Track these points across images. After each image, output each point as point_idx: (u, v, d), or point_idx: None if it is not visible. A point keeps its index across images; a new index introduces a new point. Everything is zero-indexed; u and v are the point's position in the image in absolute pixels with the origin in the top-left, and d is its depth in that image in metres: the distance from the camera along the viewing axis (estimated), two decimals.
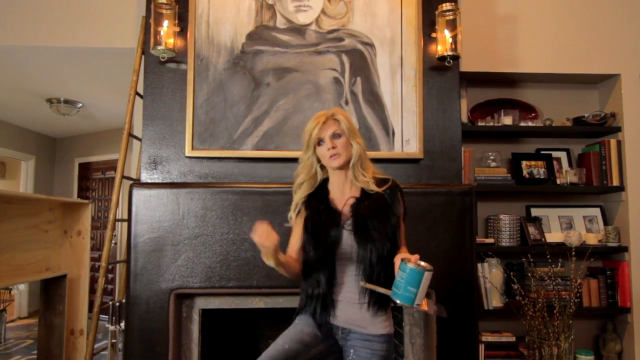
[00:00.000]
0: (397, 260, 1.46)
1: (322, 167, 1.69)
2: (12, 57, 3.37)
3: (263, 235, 1.41)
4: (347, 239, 1.58)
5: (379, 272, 1.53)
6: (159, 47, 2.35)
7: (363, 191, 1.64)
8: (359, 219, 1.58)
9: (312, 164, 1.68)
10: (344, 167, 1.64)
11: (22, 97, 4.65)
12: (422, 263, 1.42)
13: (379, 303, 1.58)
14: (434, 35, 2.50)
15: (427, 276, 1.39)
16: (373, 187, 1.62)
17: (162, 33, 2.36)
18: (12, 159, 6.19)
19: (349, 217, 1.60)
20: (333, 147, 1.60)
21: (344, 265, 1.60)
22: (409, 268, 1.38)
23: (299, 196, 1.68)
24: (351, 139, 1.64)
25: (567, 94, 3.23)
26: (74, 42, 2.90)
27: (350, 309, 1.58)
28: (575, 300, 2.67)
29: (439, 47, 2.46)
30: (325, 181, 1.72)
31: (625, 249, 2.94)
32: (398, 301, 1.41)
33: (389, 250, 1.56)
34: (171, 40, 2.38)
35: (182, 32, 2.44)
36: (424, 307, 1.44)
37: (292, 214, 1.68)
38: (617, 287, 2.95)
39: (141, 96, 2.52)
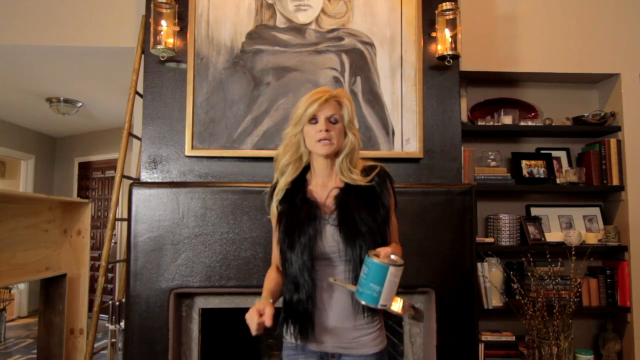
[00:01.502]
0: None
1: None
2: (12, 56, 3.37)
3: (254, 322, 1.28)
4: (333, 235, 1.38)
5: None
6: (159, 47, 2.35)
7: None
8: (345, 212, 1.38)
9: (299, 143, 1.45)
10: (331, 156, 1.44)
11: (22, 97, 4.65)
12: (393, 257, 1.24)
13: (369, 309, 1.36)
14: (433, 34, 2.50)
15: (394, 272, 1.20)
16: (360, 182, 1.42)
17: (161, 32, 2.36)
18: (12, 159, 6.19)
19: (333, 210, 1.40)
20: (327, 131, 1.39)
21: (331, 266, 1.40)
22: (372, 262, 1.21)
23: (283, 182, 1.46)
24: (348, 128, 1.44)
25: (567, 94, 3.23)
26: (74, 41, 2.89)
27: (340, 332, 1.39)
28: (575, 300, 2.66)
29: (439, 47, 2.46)
30: (304, 168, 1.50)
31: (625, 249, 2.94)
32: (362, 302, 1.24)
33: (379, 246, 1.33)
34: (171, 40, 2.38)
35: (182, 31, 2.44)
36: (397, 310, 1.29)
37: (274, 204, 1.46)
38: (616, 286, 2.95)
39: (141, 95, 2.52)
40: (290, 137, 1.46)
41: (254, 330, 1.28)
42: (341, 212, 1.39)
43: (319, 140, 1.40)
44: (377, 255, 1.23)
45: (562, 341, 2.58)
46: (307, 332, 1.38)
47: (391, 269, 1.20)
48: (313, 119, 1.41)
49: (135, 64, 2.59)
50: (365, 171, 1.46)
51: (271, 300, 1.34)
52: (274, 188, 1.50)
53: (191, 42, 2.43)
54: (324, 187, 1.46)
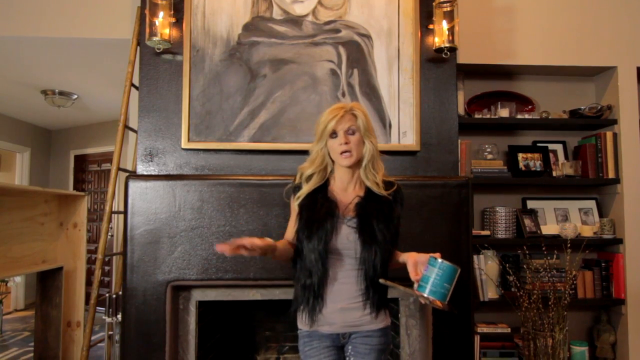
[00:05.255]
0: (410, 258, 1.45)
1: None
2: (6, 48, 3.34)
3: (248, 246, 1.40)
4: (348, 235, 1.55)
5: (380, 274, 1.52)
6: (155, 38, 2.33)
7: (368, 190, 1.62)
8: (365, 219, 1.55)
9: (324, 156, 1.63)
10: (352, 165, 1.61)
11: (17, 89, 4.62)
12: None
13: (377, 303, 1.57)
14: (431, 26, 2.49)
15: (458, 273, 1.40)
16: (382, 191, 1.60)
17: (157, 24, 2.34)
18: (7, 151, 6.15)
19: (354, 215, 1.57)
20: (346, 143, 1.56)
21: (341, 260, 1.57)
22: (445, 265, 1.38)
23: (308, 187, 1.62)
24: (365, 138, 1.59)
25: (564, 87, 3.24)
26: (69, 33, 2.87)
27: (346, 312, 1.56)
28: (570, 292, 2.68)
29: (436, 39, 2.45)
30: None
31: (620, 241, 2.95)
32: (431, 297, 1.39)
33: (390, 253, 1.57)
34: (167, 31, 2.36)
35: (178, 22, 2.42)
36: (440, 304, 1.41)
37: (296, 203, 1.63)
38: (611, 278, 2.97)
39: (137, 88, 2.50)
40: (316, 152, 1.64)
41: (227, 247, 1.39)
42: (361, 219, 1.56)
43: (341, 153, 1.57)
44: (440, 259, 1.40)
45: (557, 333, 2.60)
46: (317, 315, 1.55)
47: (459, 270, 1.40)
48: (333, 134, 1.59)
49: (130, 56, 2.58)
50: (385, 184, 1.62)
51: (269, 240, 1.47)
52: (295, 187, 1.67)
53: (187, 34, 2.41)
54: (344, 191, 1.64)
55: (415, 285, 1.42)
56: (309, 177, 1.64)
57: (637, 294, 2.90)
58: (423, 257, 1.44)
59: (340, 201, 1.61)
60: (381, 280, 1.49)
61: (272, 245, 1.48)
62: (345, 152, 1.56)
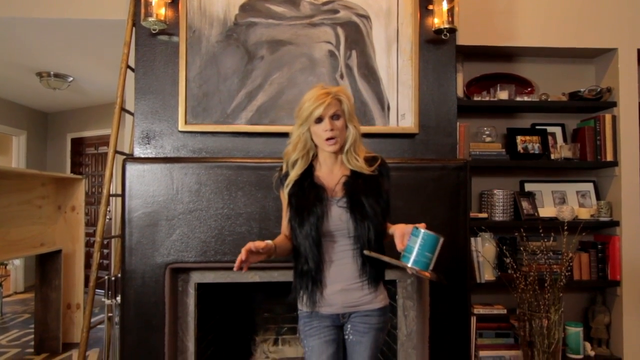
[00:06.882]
0: (397, 229, 1.47)
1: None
2: (0, 29, 3.29)
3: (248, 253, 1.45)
4: (340, 216, 1.57)
5: (375, 249, 1.53)
6: (150, 19, 2.30)
7: (353, 169, 1.63)
8: (354, 197, 1.57)
9: (307, 140, 1.62)
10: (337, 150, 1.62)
11: (11, 71, 4.57)
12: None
13: (375, 277, 1.60)
14: (430, 7, 2.45)
15: (441, 242, 1.41)
16: (365, 171, 1.61)
17: (153, 4, 2.30)
18: (3, 134, 6.12)
19: (342, 195, 1.59)
20: (331, 129, 1.56)
21: (335, 242, 1.59)
22: (427, 234, 1.40)
23: (294, 173, 1.63)
24: (349, 122, 1.60)
25: (564, 69, 3.21)
26: (63, 14, 2.83)
27: (346, 293, 1.59)
28: (566, 274, 2.70)
29: (436, 20, 2.42)
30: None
31: (616, 224, 2.97)
32: (416, 268, 1.40)
33: (382, 227, 1.58)
34: (162, 12, 2.32)
35: (174, 3, 2.38)
36: (427, 273, 1.43)
37: (285, 191, 1.64)
38: (607, 260, 2.99)
39: (133, 69, 2.47)
40: (297, 135, 1.62)
41: (237, 262, 1.45)
42: (351, 197, 1.58)
43: (327, 139, 1.57)
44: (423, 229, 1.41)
45: (553, 314, 2.63)
46: (316, 297, 1.58)
47: (441, 240, 1.41)
48: (319, 120, 1.57)
49: (126, 37, 2.54)
50: (368, 161, 1.64)
51: (268, 241, 1.51)
52: (282, 176, 1.67)
53: (183, 15, 2.37)
54: (330, 174, 1.65)
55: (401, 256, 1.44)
56: (294, 163, 1.64)
57: (633, 275, 2.93)
58: (410, 228, 1.45)
59: (328, 184, 1.62)
60: (366, 252, 1.51)
61: (272, 245, 1.51)
62: (331, 138, 1.56)
